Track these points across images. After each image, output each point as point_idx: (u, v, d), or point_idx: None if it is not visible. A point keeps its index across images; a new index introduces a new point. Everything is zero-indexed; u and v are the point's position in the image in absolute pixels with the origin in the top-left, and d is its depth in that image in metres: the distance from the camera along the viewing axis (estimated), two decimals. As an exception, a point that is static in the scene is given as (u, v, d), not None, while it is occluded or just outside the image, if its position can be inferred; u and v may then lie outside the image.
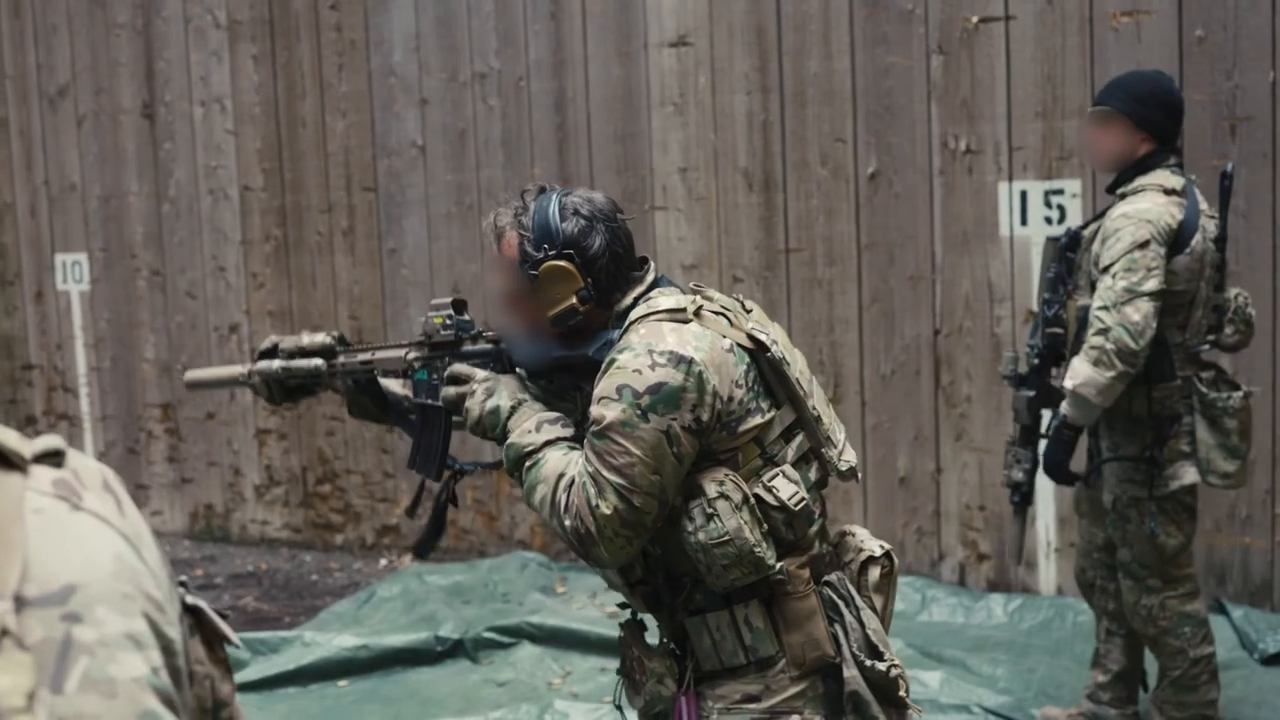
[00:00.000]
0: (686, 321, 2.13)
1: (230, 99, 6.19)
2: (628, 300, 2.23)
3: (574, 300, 2.19)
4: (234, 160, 6.22)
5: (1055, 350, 3.61)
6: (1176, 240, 3.38)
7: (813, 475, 2.23)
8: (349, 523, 6.17)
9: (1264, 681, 4.24)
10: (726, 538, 2.07)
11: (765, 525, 2.12)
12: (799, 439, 2.21)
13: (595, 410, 2.09)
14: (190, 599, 0.93)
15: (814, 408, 2.22)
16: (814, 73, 5.09)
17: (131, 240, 6.49)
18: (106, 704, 0.75)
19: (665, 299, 2.18)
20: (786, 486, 2.13)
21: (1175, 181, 3.43)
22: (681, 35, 5.30)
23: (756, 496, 2.12)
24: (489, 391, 2.27)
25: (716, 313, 2.17)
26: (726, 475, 2.11)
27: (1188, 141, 4.56)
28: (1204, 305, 3.50)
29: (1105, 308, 3.31)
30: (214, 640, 0.96)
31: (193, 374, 2.84)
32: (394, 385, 2.62)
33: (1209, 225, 3.49)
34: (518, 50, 5.60)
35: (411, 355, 2.46)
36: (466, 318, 2.40)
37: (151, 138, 6.40)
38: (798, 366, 2.22)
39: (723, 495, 2.08)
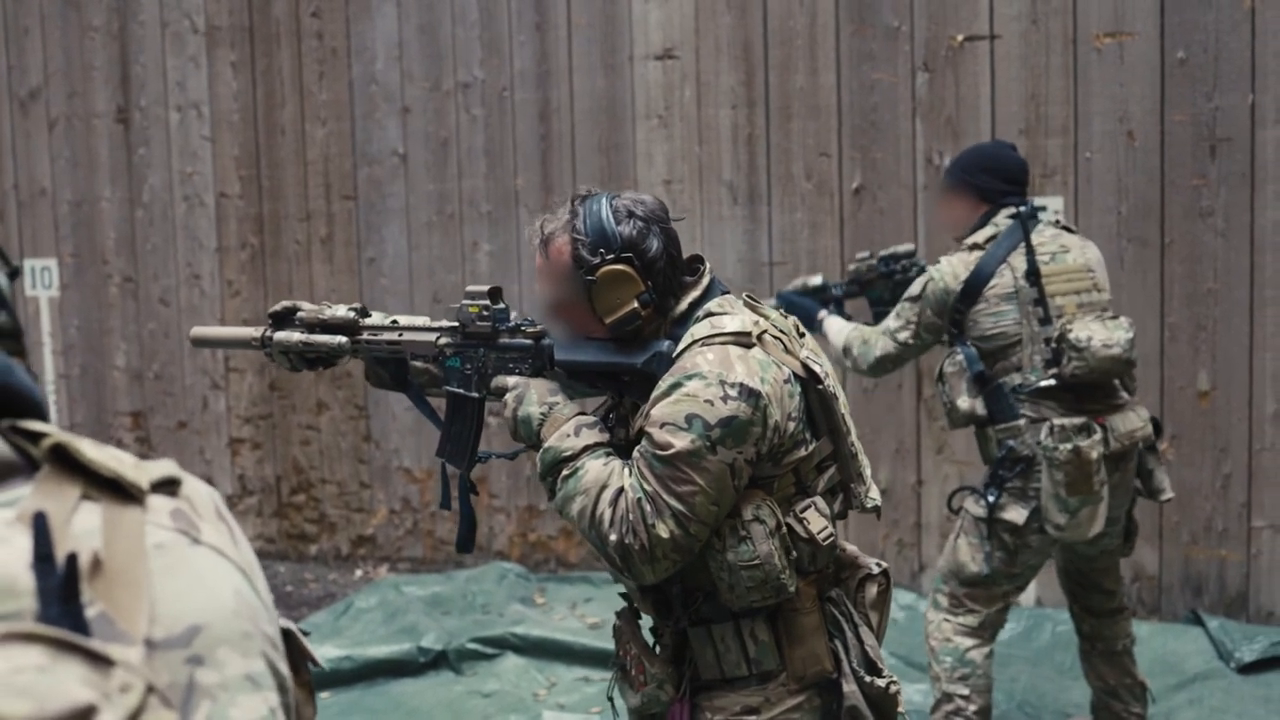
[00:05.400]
0: (750, 346, 2.10)
1: (208, 105, 6.15)
2: (682, 305, 2.20)
3: (635, 305, 2.15)
4: (210, 167, 6.17)
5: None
6: (966, 292, 3.56)
7: (836, 507, 2.24)
8: (324, 533, 6.13)
9: (1243, 690, 4.31)
10: (756, 561, 2.08)
11: (793, 554, 2.13)
12: (831, 471, 2.22)
13: (660, 435, 2.05)
14: (282, 621, 0.91)
15: (853, 444, 2.22)
16: (799, 87, 5.13)
17: (103, 246, 6.42)
18: None
19: (729, 320, 2.13)
20: (817, 520, 2.14)
21: (984, 235, 3.62)
22: (667, 48, 5.33)
23: (788, 525, 2.13)
24: (519, 399, 2.24)
25: (774, 337, 2.15)
26: (763, 499, 2.11)
27: (1169, 161, 4.65)
28: (1034, 341, 3.53)
29: (884, 329, 3.71)
30: (300, 662, 0.93)
31: (200, 330, 2.69)
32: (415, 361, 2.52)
33: (1018, 264, 3.54)
34: (502, 60, 5.61)
35: (443, 341, 2.38)
36: (502, 306, 2.33)
37: (126, 143, 6.34)
38: (841, 399, 2.22)
39: (757, 519, 2.09)
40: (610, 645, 4.56)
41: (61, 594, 0.71)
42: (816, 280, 4.12)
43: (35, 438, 0.79)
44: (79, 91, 6.40)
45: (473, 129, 5.68)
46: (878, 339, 3.71)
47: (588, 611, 5.22)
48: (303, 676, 0.93)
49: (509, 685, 4.57)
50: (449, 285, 5.76)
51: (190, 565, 0.79)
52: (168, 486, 0.82)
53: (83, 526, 0.76)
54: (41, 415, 0.83)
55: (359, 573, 5.99)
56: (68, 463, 0.78)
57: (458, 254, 5.74)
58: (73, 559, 0.72)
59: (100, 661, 0.69)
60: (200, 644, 0.75)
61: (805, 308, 4.00)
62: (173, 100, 6.21)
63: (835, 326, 3.90)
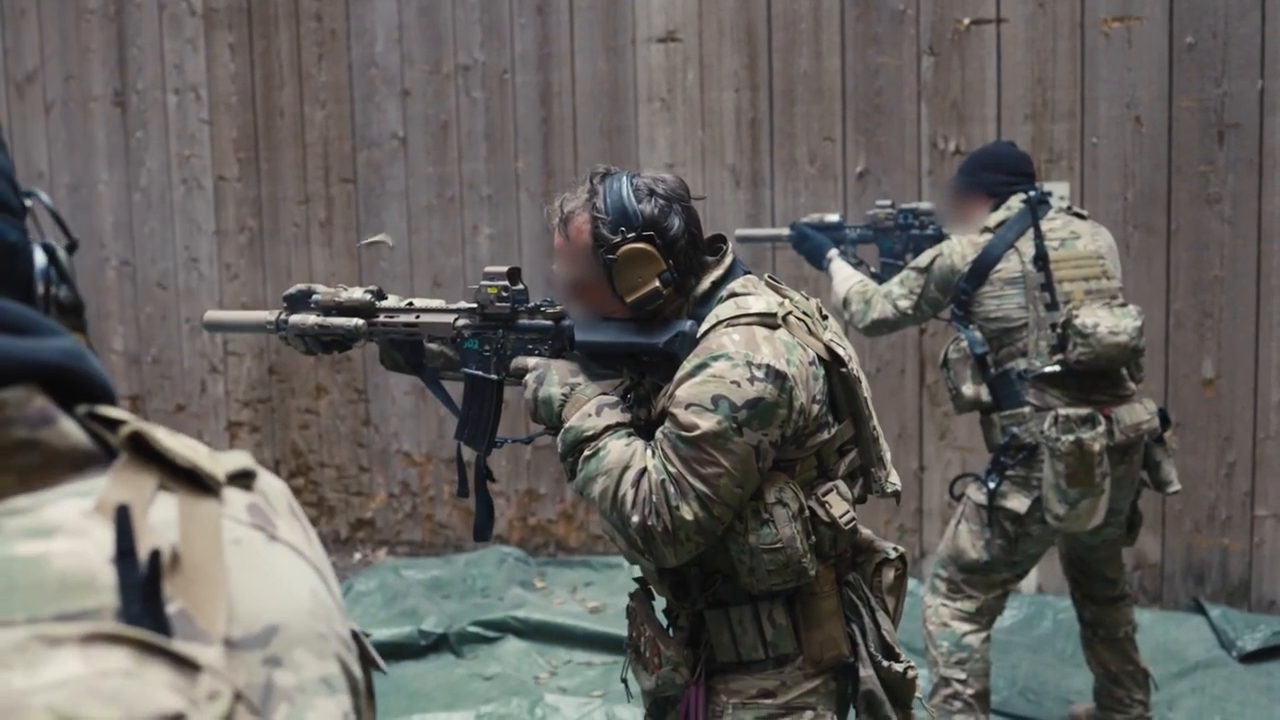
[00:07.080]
0: (776, 328, 2.07)
1: (205, 88, 6.10)
2: (704, 285, 2.18)
3: (656, 284, 2.12)
4: (208, 150, 6.13)
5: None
6: (972, 273, 3.56)
7: (856, 491, 2.23)
8: (323, 516, 6.10)
9: (1245, 679, 4.30)
10: (779, 544, 2.06)
11: (813, 538, 2.11)
12: (851, 455, 2.20)
13: (685, 416, 2.03)
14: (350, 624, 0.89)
15: (874, 428, 2.21)
16: (803, 71, 5.10)
17: (100, 230, 6.38)
18: None
19: (755, 300, 2.11)
20: (839, 504, 2.13)
21: (995, 219, 3.63)
22: (670, 31, 5.29)
23: (809, 509, 2.11)
24: (539, 380, 2.21)
25: (799, 319, 2.13)
26: (786, 482, 2.09)
27: (1177, 147, 4.63)
28: (1040, 327, 3.51)
29: (886, 292, 3.70)
30: (364, 666, 0.91)
31: (214, 314, 2.68)
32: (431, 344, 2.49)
33: (1026, 249, 3.53)
34: (503, 43, 5.57)
35: (461, 323, 2.35)
36: (521, 287, 2.30)
37: (123, 126, 6.29)
38: (864, 383, 2.20)
39: (781, 502, 2.07)
40: (611, 629, 4.59)
41: (143, 591, 0.68)
42: (833, 218, 4.14)
43: (110, 424, 0.76)
44: (75, 75, 6.35)
45: (473, 112, 5.65)
46: (878, 301, 3.71)
47: (588, 595, 5.21)
48: (366, 680, 0.91)
49: (510, 668, 4.55)
50: (449, 269, 5.73)
51: (267, 563, 0.75)
52: (243, 479, 0.79)
53: (159, 518, 0.73)
54: (112, 401, 0.80)
55: (358, 556, 5.96)
56: (144, 451, 0.75)
57: (458, 237, 5.71)
58: (155, 555, 0.69)
59: (186, 666, 0.66)
60: (278, 644, 0.72)
61: (818, 242, 4.03)
62: (170, 83, 6.17)
63: (842, 274, 3.90)
